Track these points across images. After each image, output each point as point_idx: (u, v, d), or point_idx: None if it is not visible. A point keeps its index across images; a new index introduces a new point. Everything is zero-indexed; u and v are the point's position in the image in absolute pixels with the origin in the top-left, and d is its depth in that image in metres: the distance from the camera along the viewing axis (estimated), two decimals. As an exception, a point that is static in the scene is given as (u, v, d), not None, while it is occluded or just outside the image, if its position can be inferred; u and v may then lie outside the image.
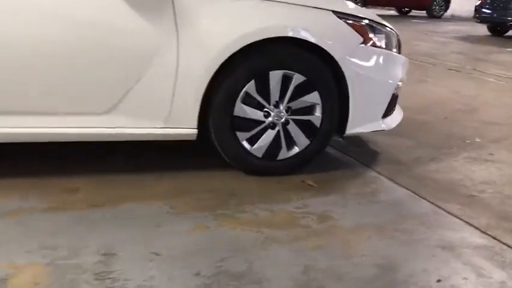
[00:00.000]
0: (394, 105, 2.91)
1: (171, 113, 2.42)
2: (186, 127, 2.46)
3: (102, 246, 1.89)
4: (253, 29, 2.40)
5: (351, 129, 2.69)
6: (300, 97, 2.56)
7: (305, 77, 2.53)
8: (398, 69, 2.85)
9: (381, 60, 2.73)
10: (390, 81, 2.77)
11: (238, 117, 2.50)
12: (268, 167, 2.65)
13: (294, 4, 2.50)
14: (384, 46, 2.75)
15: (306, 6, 2.53)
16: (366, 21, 2.69)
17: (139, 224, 2.08)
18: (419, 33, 11.36)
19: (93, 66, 2.29)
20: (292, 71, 2.51)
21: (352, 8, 2.81)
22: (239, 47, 2.38)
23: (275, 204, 2.33)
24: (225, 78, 2.44)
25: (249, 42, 2.39)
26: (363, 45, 2.63)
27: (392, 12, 18.00)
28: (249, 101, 2.51)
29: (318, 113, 2.61)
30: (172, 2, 2.31)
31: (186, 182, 2.51)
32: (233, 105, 2.48)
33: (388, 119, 2.85)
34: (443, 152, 3.24)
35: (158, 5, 2.30)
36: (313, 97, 2.58)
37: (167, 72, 2.35)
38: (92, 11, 2.26)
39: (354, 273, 1.82)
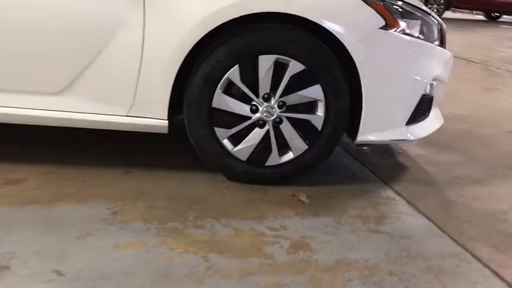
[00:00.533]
0: (427, 110, 2.30)
1: (135, 99, 2.01)
2: (154, 117, 2.04)
3: (1, 255, 1.51)
4: (234, 1, 1.93)
5: (364, 135, 2.14)
6: (297, 90, 2.05)
7: (304, 65, 2.02)
8: (434, 65, 2.25)
9: (408, 50, 2.15)
10: (419, 79, 2.18)
11: (218, 109, 2.04)
12: (255, 173, 2.16)
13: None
14: (416, 35, 2.17)
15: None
16: (395, 1, 2.12)
17: (63, 231, 1.68)
18: (505, 39, 10.21)
19: (41, 36, 1.92)
20: (287, 56, 2.00)
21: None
22: (217, 24, 1.92)
23: (244, 221, 1.84)
24: (203, 62, 1.99)
25: (229, 18, 1.92)
26: (384, 30, 2.06)
27: (480, 17, 16.57)
28: (231, 90, 2.04)
29: (319, 111, 2.08)
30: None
31: (149, 183, 2.09)
32: (211, 95, 2.02)
33: (416, 126, 2.26)
34: (492, 173, 2.57)
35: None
36: (314, 91, 2.05)
37: (130, 50, 1.94)
38: None
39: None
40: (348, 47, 2.00)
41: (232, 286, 1.46)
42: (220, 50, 1.97)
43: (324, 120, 2.10)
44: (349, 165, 2.51)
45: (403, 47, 2.13)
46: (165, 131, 2.08)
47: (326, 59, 2.03)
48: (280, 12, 1.95)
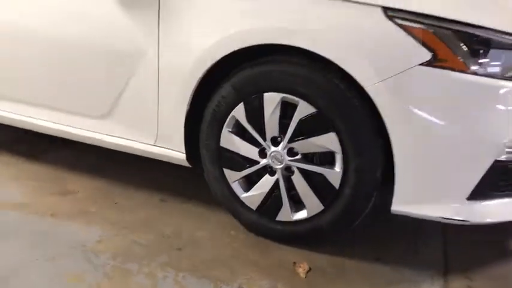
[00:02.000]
0: (505, 183, 1.57)
1: (158, 130, 1.98)
2: (174, 149, 1.97)
3: None
4: (235, 32, 1.68)
5: (401, 205, 1.61)
6: (308, 137, 1.67)
7: (316, 107, 1.63)
8: (497, 120, 1.51)
9: (470, 98, 1.50)
10: (486, 138, 1.50)
11: (225, 149, 1.83)
12: (263, 226, 1.86)
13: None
14: (494, 73, 1.50)
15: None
16: (454, 25, 1.50)
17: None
18: None
19: (83, 66, 2.06)
20: (295, 95, 1.65)
21: None
22: (217, 57, 1.71)
23: (203, 279, 1.61)
24: (211, 97, 1.82)
25: (231, 50, 1.69)
26: (428, 67, 1.49)
27: None
28: (239, 130, 1.80)
29: (337, 167, 1.65)
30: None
31: (145, 211, 2.03)
32: (219, 133, 1.83)
33: (483, 204, 1.56)
34: None
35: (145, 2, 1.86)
36: (328, 140, 1.64)
37: (149, 82, 1.91)
38: (81, 8, 2.02)
39: None
40: (366, 89, 1.53)
41: None
42: (225, 85, 1.76)
43: (342, 178, 1.65)
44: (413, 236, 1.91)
45: (462, 92, 1.50)
46: (186, 164, 1.98)
47: (344, 102, 1.59)
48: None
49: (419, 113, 1.51)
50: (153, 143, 2.02)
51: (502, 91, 1.48)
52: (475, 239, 1.89)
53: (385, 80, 1.51)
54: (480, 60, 1.49)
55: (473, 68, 1.49)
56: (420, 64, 1.49)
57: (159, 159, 2.04)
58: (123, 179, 2.31)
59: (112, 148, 2.14)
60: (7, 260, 1.69)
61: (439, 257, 1.81)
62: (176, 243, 1.83)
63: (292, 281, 1.63)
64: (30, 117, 2.26)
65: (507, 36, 1.50)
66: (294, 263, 1.72)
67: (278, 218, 1.81)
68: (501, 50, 1.51)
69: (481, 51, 1.50)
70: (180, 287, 1.58)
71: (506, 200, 1.59)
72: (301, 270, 1.69)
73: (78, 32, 2.01)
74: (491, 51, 1.50)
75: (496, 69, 1.50)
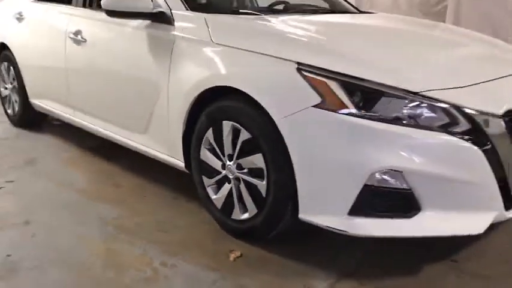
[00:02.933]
0: (382, 204, 1.92)
1: (169, 143, 2.69)
2: (178, 159, 2.66)
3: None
4: (203, 77, 2.34)
5: (304, 214, 2.08)
6: (247, 155, 2.23)
7: (250, 134, 2.19)
8: (383, 151, 1.88)
9: (347, 134, 1.92)
10: (357, 166, 1.90)
11: (203, 161, 2.47)
12: (224, 222, 2.43)
13: (252, 52, 2.19)
14: (368, 115, 1.90)
15: (264, 54, 2.15)
16: (342, 77, 1.95)
17: None
18: None
19: (129, 93, 2.89)
20: (239, 124, 2.24)
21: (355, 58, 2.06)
22: (197, 93, 2.38)
23: (151, 244, 2.26)
24: (196, 122, 2.48)
25: (202, 89, 2.35)
26: (318, 108, 1.95)
27: None
28: (211, 147, 2.43)
29: (264, 180, 2.18)
30: (172, 50, 2.57)
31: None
32: (199, 149, 2.48)
33: (362, 220, 1.94)
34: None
35: (162, 52, 2.62)
36: (258, 159, 2.18)
37: (164, 106, 2.64)
38: (128, 61, 2.86)
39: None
40: (276, 122, 2.05)
41: None
42: (202, 114, 2.42)
43: (267, 189, 2.17)
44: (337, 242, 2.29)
45: (341, 129, 1.92)
46: (186, 170, 2.64)
47: (267, 130, 2.12)
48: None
49: (311, 142, 1.98)
50: (168, 154, 2.74)
51: (371, 130, 1.89)
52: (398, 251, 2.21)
53: (287, 116, 2.02)
54: (358, 105, 1.92)
55: (351, 111, 1.91)
56: (313, 106, 1.97)
57: (173, 166, 2.75)
58: (157, 178, 3.07)
59: (150, 156, 2.91)
60: (60, 221, 2.55)
61: (352, 263, 2.18)
62: (165, 228, 2.50)
63: (221, 262, 2.18)
64: (102, 128, 3.18)
65: (381, 87, 1.91)
66: (231, 250, 2.27)
67: (232, 217, 2.38)
68: (375, 97, 1.91)
69: (360, 98, 1.92)
70: (144, 254, 2.25)
71: (384, 219, 1.95)
72: (233, 255, 2.23)
73: (125, 68, 2.87)
74: (368, 98, 1.92)
75: (369, 113, 1.91)
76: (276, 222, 2.21)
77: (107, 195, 2.88)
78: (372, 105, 1.91)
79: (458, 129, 1.91)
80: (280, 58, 2.08)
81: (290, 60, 2.05)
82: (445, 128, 1.90)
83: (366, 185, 1.90)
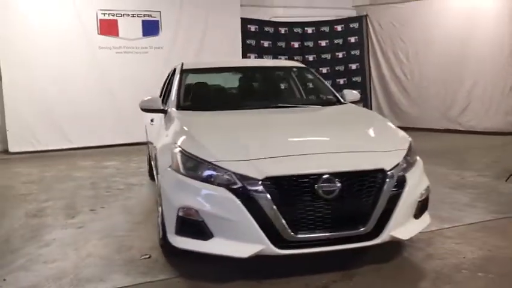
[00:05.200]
0: (186, 227, 3.13)
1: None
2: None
3: None
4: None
5: (167, 234, 3.37)
6: (158, 197, 3.69)
7: (158, 183, 3.65)
8: (187, 195, 3.12)
9: (176, 183, 3.22)
10: (173, 202, 3.20)
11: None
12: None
13: (168, 133, 3.66)
14: (189, 174, 3.18)
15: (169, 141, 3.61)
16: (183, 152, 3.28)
17: None
18: None
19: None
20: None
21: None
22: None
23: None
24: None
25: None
26: (169, 168, 3.31)
27: None
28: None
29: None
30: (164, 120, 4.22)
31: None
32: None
33: (182, 238, 3.18)
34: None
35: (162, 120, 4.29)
36: (158, 199, 3.61)
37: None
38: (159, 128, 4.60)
39: None
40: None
41: None
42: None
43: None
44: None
45: (174, 181, 3.23)
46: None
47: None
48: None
49: (164, 187, 3.33)
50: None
51: (185, 183, 3.15)
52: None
53: (162, 171, 3.41)
54: (185, 168, 3.20)
55: (191, 174, 3.19)
56: (169, 167, 3.33)
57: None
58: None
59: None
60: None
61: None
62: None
63: (133, 258, 3.59)
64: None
65: (197, 159, 3.16)
66: (146, 254, 3.65)
67: (157, 236, 3.79)
68: (195, 165, 3.16)
69: (188, 165, 3.21)
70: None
71: (193, 239, 3.11)
72: (143, 255, 3.61)
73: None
74: (191, 165, 3.18)
75: (189, 172, 3.17)
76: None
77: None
78: (191, 168, 3.18)
79: (234, 186, 3.01)
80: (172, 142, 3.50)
81: (174, 143, 3.45)
82: (226, 185, 3.03)
83: (178, 215, 3.15)
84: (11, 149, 8.65)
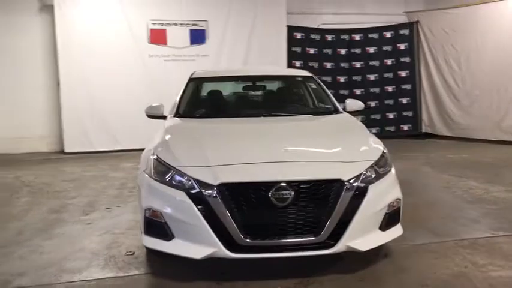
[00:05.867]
0: (152, 228, 3.36)
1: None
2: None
3: None
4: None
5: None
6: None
7: (142, 185, 3.92)
8: (153, 198, 3.36)
9: (148, 187, 3.46)
10: (141, 204, 3.46)
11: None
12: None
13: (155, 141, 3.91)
14: (157, 178, 3.41)
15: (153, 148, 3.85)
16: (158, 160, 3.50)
17: None
18: None
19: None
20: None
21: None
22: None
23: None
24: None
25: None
26: (144, 173, 3.55)
27: None
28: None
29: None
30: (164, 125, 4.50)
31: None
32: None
33: (149, 238, 3.40)
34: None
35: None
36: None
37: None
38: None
39: None
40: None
41: None
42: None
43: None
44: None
45: (146, 185, 3.46)
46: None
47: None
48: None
49: (139, 189, 3.57)
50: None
51: (153, 187, 3.38)
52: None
53: (140, 173, 3.66)
54: (165, 177, 3.41)
55: (159, 178, 3.41)
56: (144, 171, 3.57)
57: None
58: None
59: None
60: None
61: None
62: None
63: (118, 254, 3.87)
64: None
65: (167, 165, 3.37)
66: (130, 251, 3.91)
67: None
68: (164, 170, 3.37)
69: (159, 169, 3.43)
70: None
71: (157, 239, 3.32)
72: (127, 252, 3.88)
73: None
74: (161, 170, 3.40)
75: (160, 177, 3.38)
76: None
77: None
78: (160, 173, 3.39)
79: (193, 191, 3.19)
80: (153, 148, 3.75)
81: (154, 149, 3.68)
82: (187, 190, 3.21)
83: (145, 216, 3.37)
84: (66, 149, 9.39)
